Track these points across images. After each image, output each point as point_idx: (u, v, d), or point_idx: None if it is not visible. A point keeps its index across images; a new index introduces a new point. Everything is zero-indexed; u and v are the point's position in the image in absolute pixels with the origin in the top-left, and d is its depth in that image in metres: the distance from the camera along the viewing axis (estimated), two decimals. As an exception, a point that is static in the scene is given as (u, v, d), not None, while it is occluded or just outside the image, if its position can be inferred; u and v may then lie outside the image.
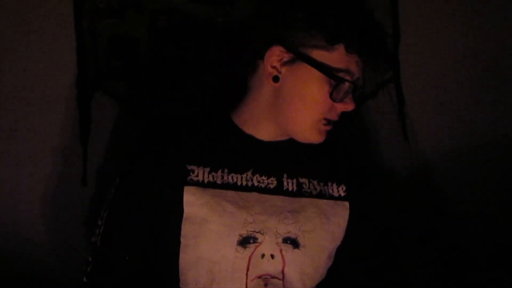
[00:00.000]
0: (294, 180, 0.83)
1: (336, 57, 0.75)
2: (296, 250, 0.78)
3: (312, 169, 0.85)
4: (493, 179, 1.17)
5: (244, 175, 0.80)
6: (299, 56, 0.76)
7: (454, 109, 1.15)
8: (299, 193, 0.82)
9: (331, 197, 0.84)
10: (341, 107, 0.78)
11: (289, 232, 0.78)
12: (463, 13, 1.12)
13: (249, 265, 0.76)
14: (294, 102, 0.78)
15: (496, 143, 1.16)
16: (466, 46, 1.13)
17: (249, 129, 0.84)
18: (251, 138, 0.84)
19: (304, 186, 0.83)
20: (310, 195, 0.83)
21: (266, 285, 0.76)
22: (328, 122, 0.79)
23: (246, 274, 0.75)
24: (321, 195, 0.83)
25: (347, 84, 0.76)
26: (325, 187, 0.84)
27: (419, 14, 1.11)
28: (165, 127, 0.86)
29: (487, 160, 1.16)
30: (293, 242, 0.78)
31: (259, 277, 0.76)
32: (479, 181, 1.16)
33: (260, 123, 0.83)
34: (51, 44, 1.01)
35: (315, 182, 0.84)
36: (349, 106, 0.78)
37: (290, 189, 0.82)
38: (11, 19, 1.00)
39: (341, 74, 0.75)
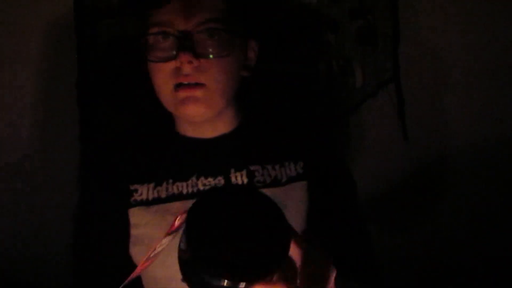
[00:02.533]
0: (244, 172, 0.77)
1: (147, 19, 0.73)
2: None
3: (265, 153, 0.79)
4: (493, 179, 1.17)
5: (189, 182, 0.76)
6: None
7: (454, 109, 1.15)
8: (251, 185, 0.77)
9: (288, 180, 0.77)
10: (173, 64, 0.71)
11: None
12: (463, 12, 1.11)
13: None
14: (154, 85, 0.75)
15: (496, 143, 1.15)
16: (466, 46, 1.13)
17: (189, 131, 0.80)
18: (193, 140, 0.79)
19: (256, 174, 0.77)
20: (263, 185, 0.76)
21: None
22: (180, 85, 0.72)
23: None
24: (276, 182, 0.77)
25: (151, 38, 0.71)
26: (282, 168, 0.78)
27: (419, 14, 1.11)
28: (106, 149, 0.83)
29: (487, 160, 1.16)
30: None
31: None
32: (479, 181, 1.16)
33: (180, 121, 0.80)
34: (51, 44, 1.01)
35: (269, 167, 0.78)
36: (181, 59, 0.68)
37: (239, 183, 0.77)
38: (11, 19, 1.00)
39: (149, 31, 0.72)
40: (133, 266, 0.72)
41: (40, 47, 1.01)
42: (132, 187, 0.77)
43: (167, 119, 0.83)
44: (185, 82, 0.71)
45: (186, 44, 0.69)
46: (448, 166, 1.16)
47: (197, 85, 0.71)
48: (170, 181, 0.76)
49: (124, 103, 1.04)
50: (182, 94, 0.71)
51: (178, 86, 0.71)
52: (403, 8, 1.09)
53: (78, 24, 1.01)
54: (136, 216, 0.75)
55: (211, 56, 0.70)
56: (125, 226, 0.76)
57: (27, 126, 1.03)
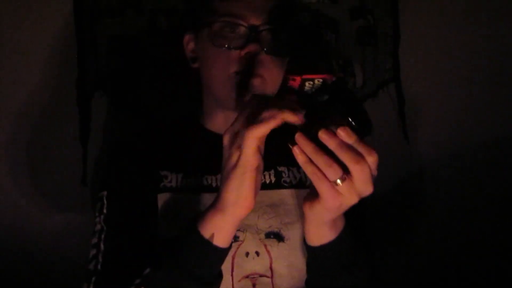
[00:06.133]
0: (272, 171, 0.80)
1: (215, 8, 0.76)
2: (281, 244, 0.75)
3: (290, 156, 0.81)
4: (492, 178, 1.17)
5: (218, 176, 0.77)
6: (194, 26, 0.80)
7: (454, 109, 1.15)
8: (278, 184, 0.80)
9: (299, 182, 0.81)
10: (237, 54, 0.74)
11: (270, 226, 0.76)
12: (463, 13, 1.12)
13: (233, 265, 0.73)
14: (206, 70, 0.79)
15: (496, 143, 1.16)
16: (466, 46, 1.13)
17: (216, 128, 0.82)
18: (221, 137, 0.81)
19: (283, 175, 0.80)
20: (289, 185, 0.80)
21: (254, 285, 0.73)
22: (240, 73, 0.75)
23: (232, 275, 0.73)
24: (301, 184, 0.80)
25: (218, 25, 0.74)
26: (296, 170, 0.82)
27: (419, 14, 1.11)
28: (138, 135, 0.85)
29: (487, 160, 1.16)
30: (277, 236, 0.75)
31: (247, 277, 0.73)
32: (479, 181, 1.17)
33: (217, 116, 0.82)
34: (51, 44, 1.01)
35: (294, 170, 0.81)
36: (249, 50, 0.73)
37: (267, 181, 0.79)
38: (11, 19, 1.00)
39: (220, 19, 0.75)
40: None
41: (40, 47, 1.01)
42: (162, 173, 0.79)
43: (191, 114, 0.86)
44: (246, 70, 0.74)
45: (254, 38, 0.74)
46: (448, 166, 1.16)
47: (257, 75, 0.75)
48: (199, 173, 0.79)
49: (127, 102, 1.05)
50: (241, 80, 0.75)
51: (237, 74, 0.75)
52: (403, 8, 1.09)
53: (78, 24, 1.01)
54: (164, 201, 0.76)
55: (277, 54, 0.75)
56: (154, 209, 0.76)
57: (27, 126, 1.03)
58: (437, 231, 1.17)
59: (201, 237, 0.63)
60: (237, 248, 0.74)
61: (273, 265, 0.74)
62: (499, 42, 1.13)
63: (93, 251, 0.73)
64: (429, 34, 1.11)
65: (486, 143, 1.15)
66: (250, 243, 0.74)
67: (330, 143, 0.55)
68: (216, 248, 0.63)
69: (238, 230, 0.74)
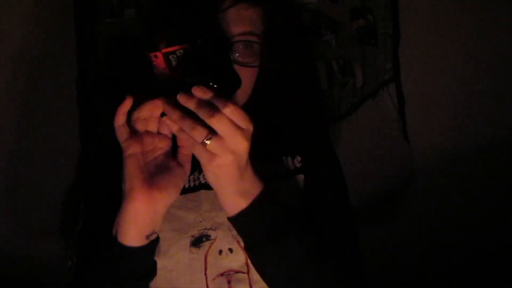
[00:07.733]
0: None
1: None
2: None
3: (265, 149, 0.78)
4: (492, 178, 1.17)
5: (191, 176, 0.77)
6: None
7: (453, 109, 1.15)
8: None
9: (286, 174, 0.79)
10: None
11: None
12: (463, 13, 1.12)
13: (206, 264, 0.73)
14: None
15: (496, 143, 1.16)
16: (466, 46, 1.13)
17: None
18: None
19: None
20: (264, 178, 0.77)
21: (229, 282, 0.73)
22: None
23: (205, 274, 0.72)
24: (276, 176, 0.79)
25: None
26: (279, 164, 0.80)
27: (419, 14, 1.11)
28: (104, 149, 0.85)
29: (487, 159, 1.16)
30: None
31: (221, 274, 0.73)
32: (479, 181, 1.17)
33: None
34: (51, 44, 1.01)
35: (269, 162, 0.80)
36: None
37: None
38: (11, 19, 1.00)
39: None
40: None
41: (40, 47, 1.01)
42: None
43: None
44: None
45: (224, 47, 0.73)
46: (448, 166, 1.16)
47: None
48: (197, 172, 0.77)
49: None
50: None
51: None
52: (403, 8, 1.09)
53: (78, 24, 1.01)
54: None
55: (244, 64, 0.73)
56: None
57: (27, 126, 1.03)
58: (437, 231, 1.17)
59: (110, 235, 0.64)
60: (209, 246, 0.73)
61: (249, 261, 0.73)
62: (500, 42, 1.13)
63: (69, 263, 0.76)
64: (429, 34, 1.11)
65: (486, 142, 1.15)
66: (222, 241, 0.74)
67: (189, 105, 0.57)
68: (123, 247, 0.63)
69: (210, 229, 0.74)
